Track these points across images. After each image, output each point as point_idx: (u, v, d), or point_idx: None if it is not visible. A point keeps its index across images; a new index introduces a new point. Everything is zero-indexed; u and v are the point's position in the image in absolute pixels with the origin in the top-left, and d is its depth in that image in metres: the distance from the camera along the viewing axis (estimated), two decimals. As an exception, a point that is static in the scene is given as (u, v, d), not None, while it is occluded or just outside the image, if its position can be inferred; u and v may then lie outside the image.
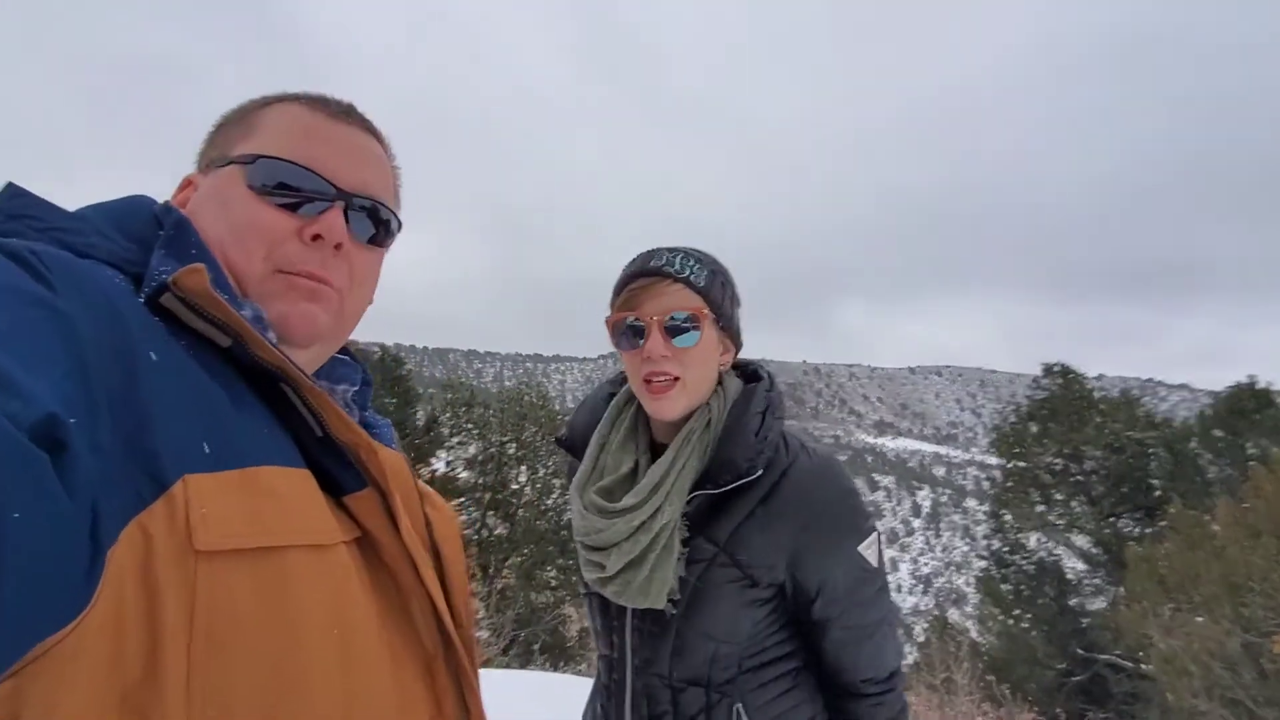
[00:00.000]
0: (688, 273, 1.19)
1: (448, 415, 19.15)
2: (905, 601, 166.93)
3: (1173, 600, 7.99)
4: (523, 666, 15.14)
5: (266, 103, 0.78)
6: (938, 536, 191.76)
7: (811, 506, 1.16)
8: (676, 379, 1.18)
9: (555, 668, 15.88)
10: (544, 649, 16.35)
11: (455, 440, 18.73)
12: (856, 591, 1.19)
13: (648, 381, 1.19)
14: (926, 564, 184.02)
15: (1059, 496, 14.61)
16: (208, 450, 0.54)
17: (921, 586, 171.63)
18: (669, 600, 1.18)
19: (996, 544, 15.21)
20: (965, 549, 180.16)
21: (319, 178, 0.73)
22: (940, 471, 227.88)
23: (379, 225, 0.79)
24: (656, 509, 1.16)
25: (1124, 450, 13.74)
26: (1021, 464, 14.70)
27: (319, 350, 0.77)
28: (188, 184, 0.77)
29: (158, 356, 0.54)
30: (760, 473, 1.16)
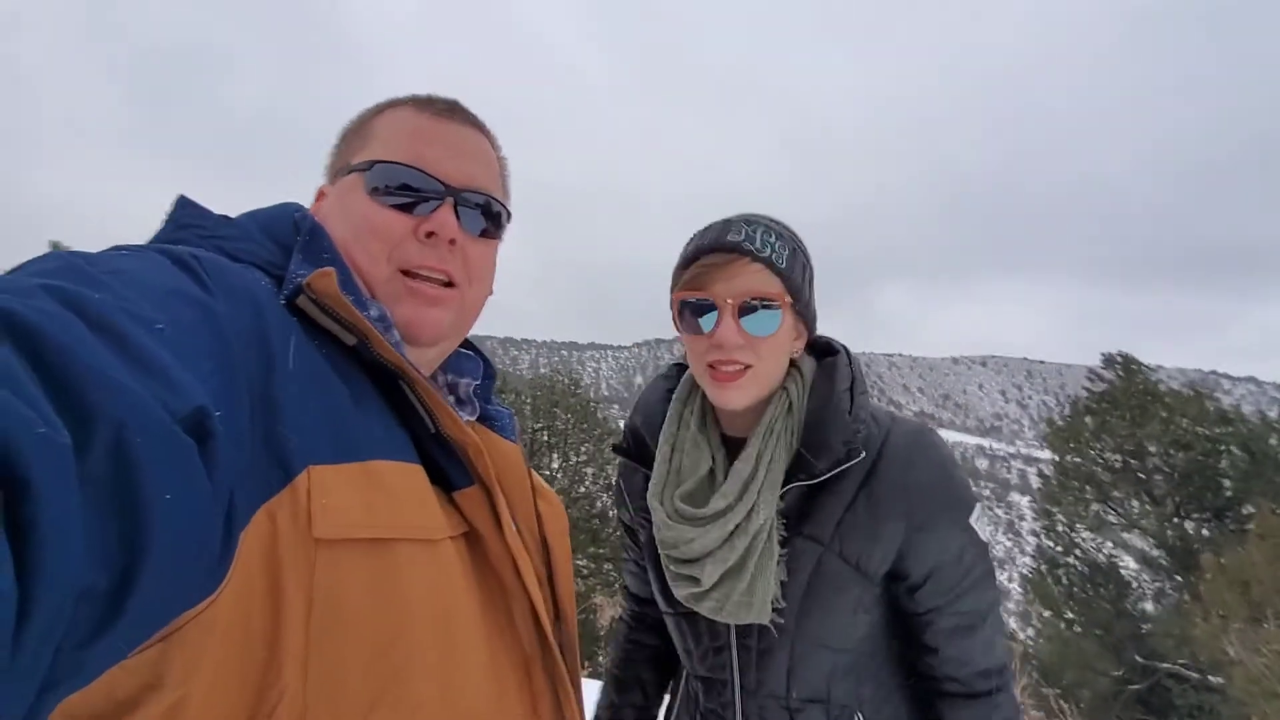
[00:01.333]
0: (769, 251, 1.05)
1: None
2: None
3: (1258, 613, 7.29)
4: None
5: (379, 110, 0.83)
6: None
7: (916, 483, 1.06)
8: (747, 367, 1.07)
9: (586, 657, 15.76)
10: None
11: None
12: (971, 571, 1.09)
13: (712, 368, 1.08)
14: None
15: (1117, 495, 13.73)
16: (331, 443, 0.58)
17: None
18: (774, 610, 1.08)
19: (1047, 543, 14.42)
20: (1009, 545, 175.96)
21: (429, 177, 0.77)
22: (983, 465, 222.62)
23: (490, 218, 0.82)
24: (750, 508, 1.06)
25: (1192, 447, 12.82)
26: (1076, 459, 13.86)
27: (444, 347, 0.81)
28: (321, 195, 0.83)
29: (293, 354, 0.59)
30: (863, 454, 1.06)
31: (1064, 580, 13.69)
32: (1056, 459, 14.18)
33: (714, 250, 1.06)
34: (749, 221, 1.07)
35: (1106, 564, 14.00)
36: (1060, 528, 13.95)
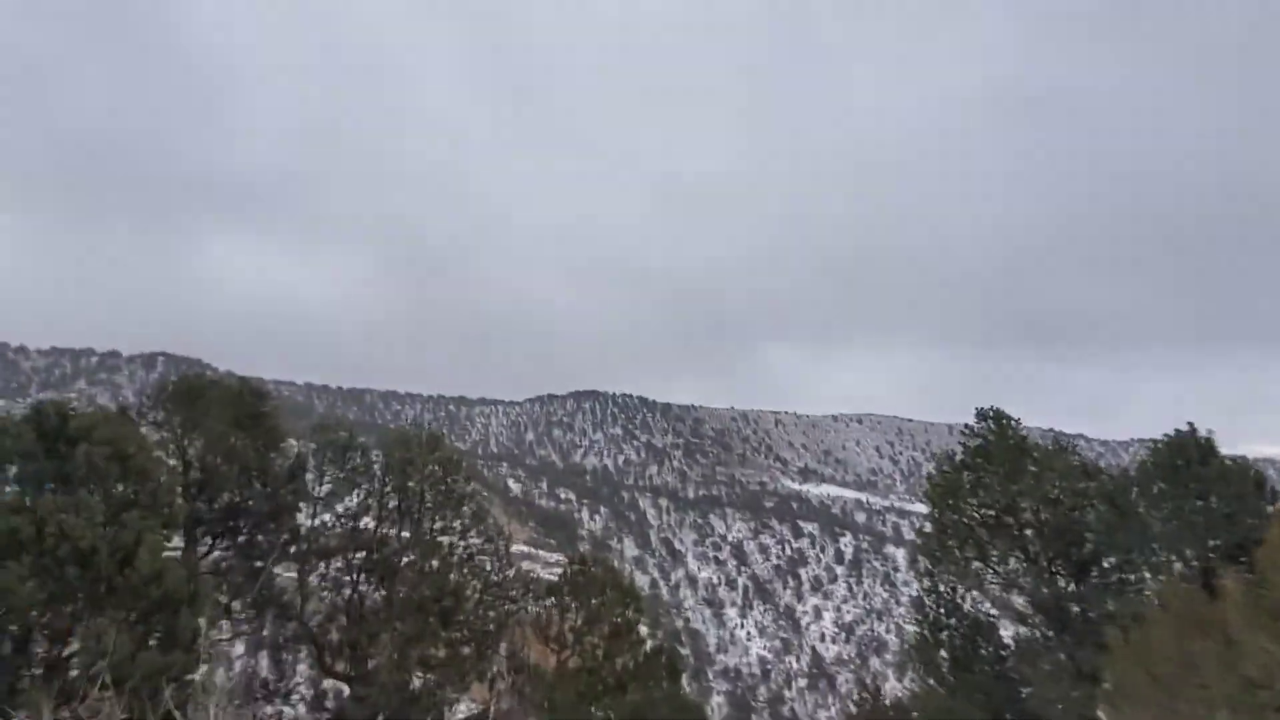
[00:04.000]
0: None
1: (326, 459, 16.53)
2: (829, 651, 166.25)
3: (1167, 695, 6.69)
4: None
5: None
6: (859, 584, 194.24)
7: None
8: None
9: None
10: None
11: (328, 490, 16.11)
12: None
13: None
14: (849, 612, 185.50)
15: (994, 553, 13.49)
16: None
17: (844, 635, 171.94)
18: None
19: (930, 605, 13.86)
20: (885, 596, 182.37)
21: None
22: (861, 518, 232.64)
23: None
24: None
25: (1061, 502, 12.81)
26: (954, 515, 13.54)
27: None
28: None
29: None
30: None
31: (948, 642, 13.10)
32: (935, 515, 13.80)
33: None
34: None
35: (987, 625, 13.63)
36: (942, 587, 13.45)
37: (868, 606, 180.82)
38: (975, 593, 13.73)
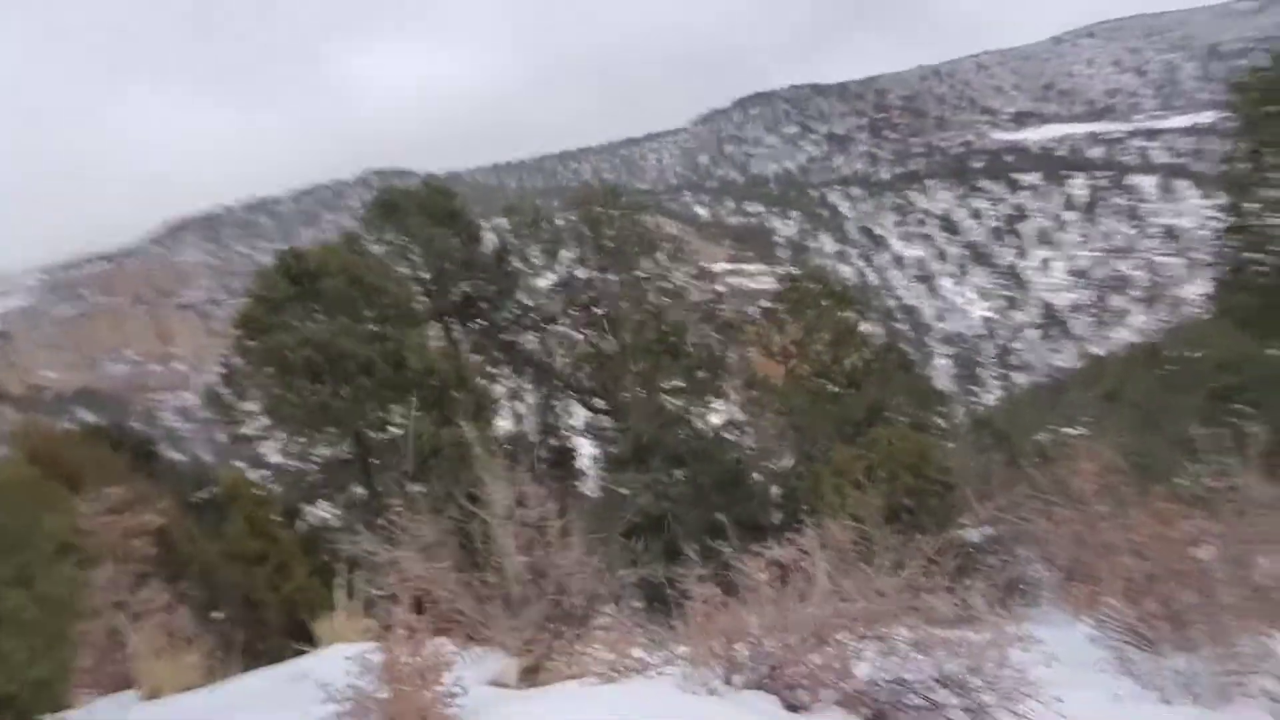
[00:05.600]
0: None
1: (523, 234, 17.32)
2: (1061, 299, 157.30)
3: None
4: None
5: None
6: (1095, 225, 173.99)
7: None
8: None
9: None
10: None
11: (536, 262, 17.08)
12: None
13: None
14: (1082, 257, 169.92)
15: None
16: None
17: (1078, 280, 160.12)
18: None
19: (1229, 242, 11.37)
20: (1129, 232, 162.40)
21: None
22: (1096, 153, 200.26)
23: None
24: None
25: None
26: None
27: None
28: None
29: None
30: None
31: (1255, 283, 10.90)
32: (1246, 126, 10.56)
33: None
34: None
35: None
36: (1251, 219, 10.74)
37: (1107, 246, 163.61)
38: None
